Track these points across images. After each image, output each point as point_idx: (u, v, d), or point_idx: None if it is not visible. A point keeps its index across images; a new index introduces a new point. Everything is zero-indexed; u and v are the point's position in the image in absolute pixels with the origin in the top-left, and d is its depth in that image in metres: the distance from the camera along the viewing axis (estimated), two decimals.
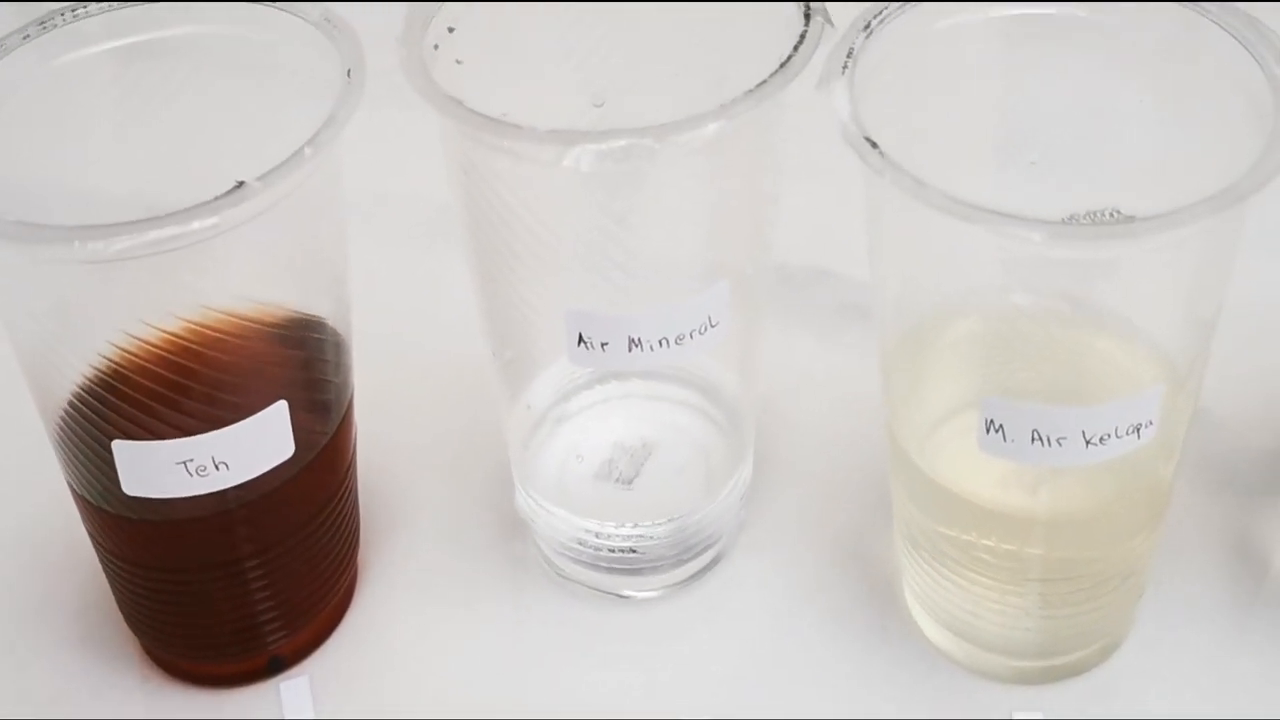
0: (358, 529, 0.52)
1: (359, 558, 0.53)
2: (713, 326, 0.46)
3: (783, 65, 0.43)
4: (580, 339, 0.45)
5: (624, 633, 0.51)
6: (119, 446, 0.43)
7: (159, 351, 0.44)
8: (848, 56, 0.43)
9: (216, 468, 0.44)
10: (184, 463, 0.44)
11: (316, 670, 0.50)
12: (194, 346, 0.44)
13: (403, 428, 0.57)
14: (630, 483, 0.52)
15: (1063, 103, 0.46)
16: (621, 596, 0.52)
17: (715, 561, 0.53)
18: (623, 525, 0.51)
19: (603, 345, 0.45)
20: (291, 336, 0.46)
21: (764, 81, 0.43)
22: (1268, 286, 0.56)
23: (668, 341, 0.46)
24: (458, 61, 0.47)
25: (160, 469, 0.44)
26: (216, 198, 0.40)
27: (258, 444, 0.45)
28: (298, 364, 0.46)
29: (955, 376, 0.47)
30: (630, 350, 0.45)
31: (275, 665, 0.50)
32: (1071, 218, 0.41)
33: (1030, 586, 0.47)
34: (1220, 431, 0.55)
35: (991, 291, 0.44)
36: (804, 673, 0.49)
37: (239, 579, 0.47)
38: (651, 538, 0.51)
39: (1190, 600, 0.50)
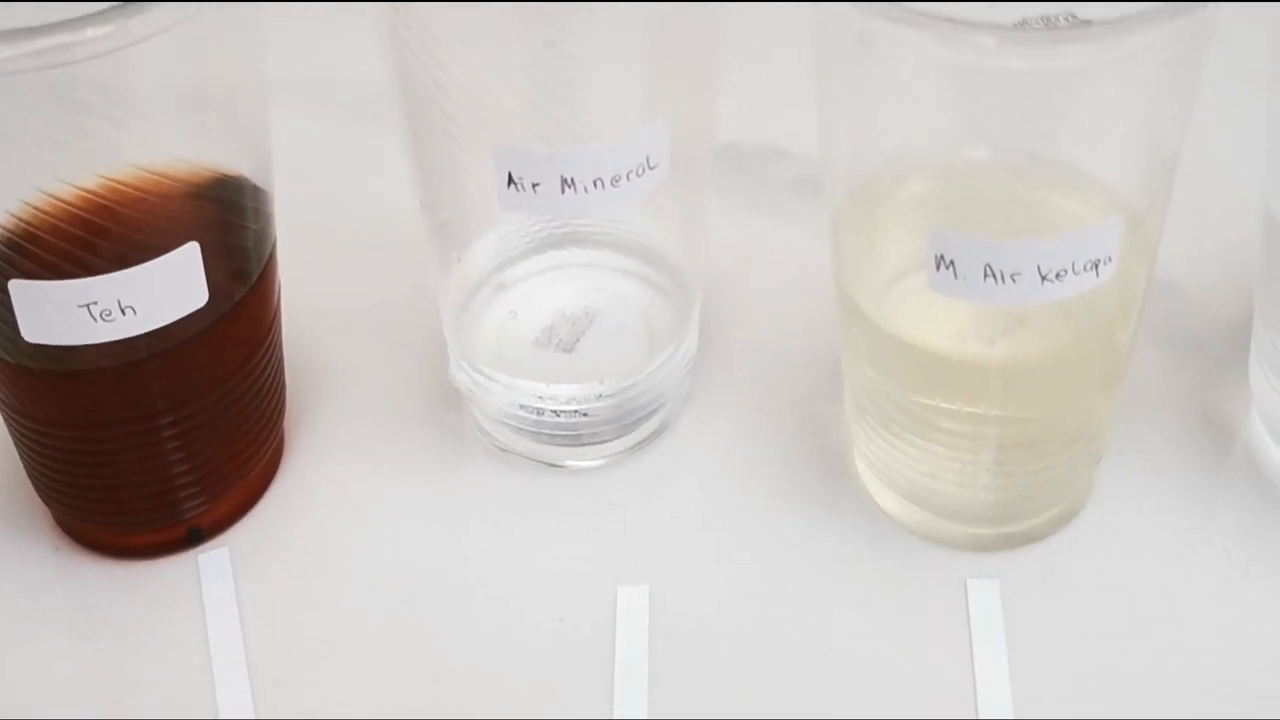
0: (282, 396, 0.49)
1: (285, 429, 0.50)
2: (651, 169, 0.44)
3: None
4: (510, 180, 0.43)
5: (565, 503, 0.49)
6: (16, 287, 0.41)
7: (69, 206, 0.41)
8: None
9: (123, 312, 0.42)
10: (87, 306, 0.41)
11: (238, 542, 0.48)
12: (104, 199, 0.41)
13: (334, 299, 0.54)
14: (571, 349, 0.50)
15: None
16: (563, 467, 0.50)
17: (659, 432, 0.50)
18: (563, 391, 0.48)
19: (534, 186, 0.43)
20: (207, 186, 0.43)
21: None
22: (1237, 160, 0.54)
23: (603, 183, 0.43)
24: None
25: (61, 312, 0.41)
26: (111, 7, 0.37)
27: (167, 288, 0.42)
28: (211, 209, 0.44)
29: (910, 233, 0.45)
30: (563, 192, 0.43)
31: (194, 536, 0.48)
32: (1024, 22, 0.39)
33: (985, 449, 0.44)
34: (1187, 304, 0.53)
35: (944, 147, 0.42)
36: (752, 542, 0.47)
37: (153, 440, 0.45)
38: (593, 405, 0.48)
39: (1152, 470, 0.48)
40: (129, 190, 0.42)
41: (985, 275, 0.40)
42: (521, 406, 0.49)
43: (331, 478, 0.50)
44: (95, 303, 0.41)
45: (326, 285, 0.54)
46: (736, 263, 0.55)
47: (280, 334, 0.48)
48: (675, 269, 0.50)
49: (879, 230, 0.45)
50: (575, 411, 0.49)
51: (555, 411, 0.48)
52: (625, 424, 0.49)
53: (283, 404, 0.49)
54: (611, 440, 0.50)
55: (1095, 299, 0.43)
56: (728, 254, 0.55)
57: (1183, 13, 0.36)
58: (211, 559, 0.47)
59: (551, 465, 0.50)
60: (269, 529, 0.48)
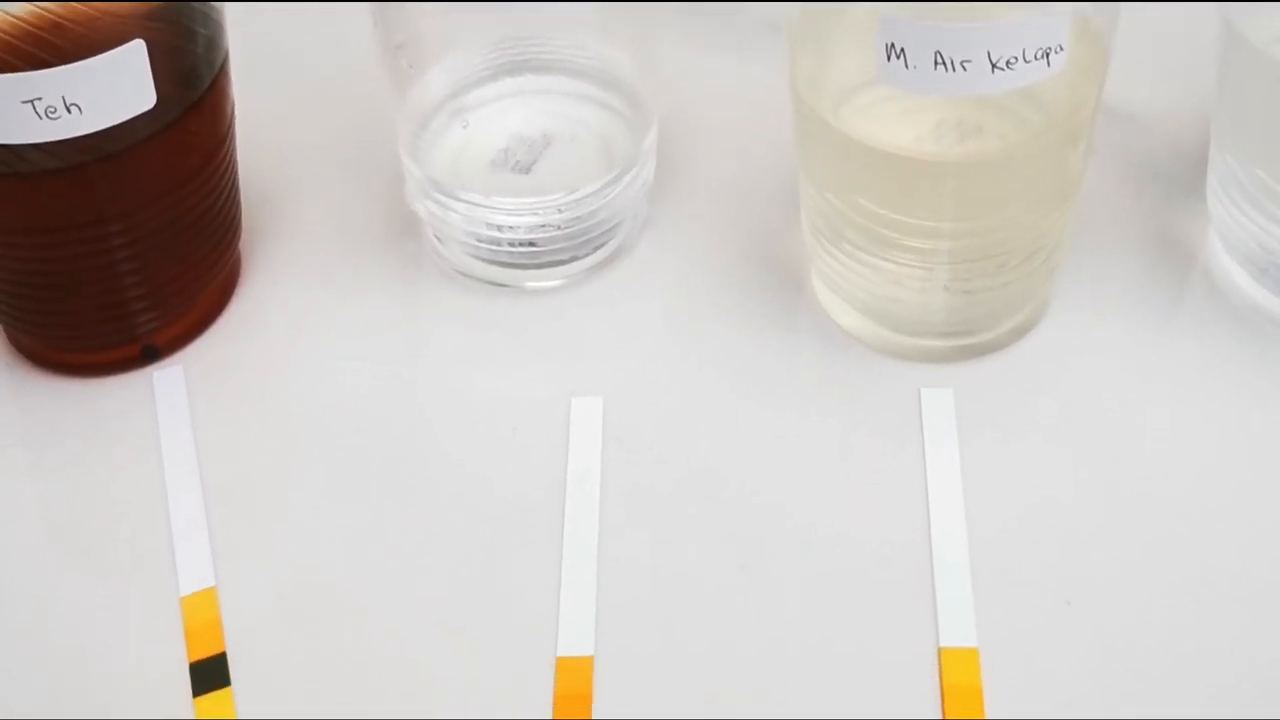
0: (237, 217, 0.49)
1: (242, 255, 0.50)
2: None
3: None
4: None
5: (521, 323, 0.48)
6: None
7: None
8: None
9: (68, 110, 0.41)
10: (31, 102, 0.41)
11: (192, 361, 0.48)
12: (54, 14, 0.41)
13: (291, 129, 0.54)
14: (528, 170, 0.49)
15: None
16: (520, 288, 0.49)
17: (617, 254, 0.50)
18: (521, 217, 0.48)
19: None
20: None
21: None
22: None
23: None
24: None
25: (5, 108, 0.41)
26: None
27: (112, 86, 0.42)
28: (159, 10, 0.43)
29: (868, 42, 0.44)
30: None
31: (149, 355, 0.47)
32: None
33: (941, 263, 0.44)
34: (1148, 133, 0.53)
35: None
36: (708, 358, 0.47)
37: (102, 249, 0.44)
38: (550, 229, 0.48)
39: (1111, 287, 0.48)
40: None
41: (935, 63, 0.40)
42: (479, 229, 0.49)
43: (287, 301, 0.49)
44: (39, 98, 0.41)
45: (283, 115, 0.54)
46: (700, 98, 0.55)
47: (234, 152, 0.48)
48: (631, 92, 0.50)
49: (837, 38, 0.45)
50: (533, 234, 0.48)
51: (513, 236, 0.48)
52: (582, 246, 0.49)
53: (237, 226, 0.49)
54: (569, 262, 0.49)
55: (1049, 103, 0.43)
56: (691, 90, 0.54)
57: None
58: (166, 376, 0.47)
59: (508, 287, 0.49)
60: (224, 349, 0.48)
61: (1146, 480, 0.43)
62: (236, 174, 0.48)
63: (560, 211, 0.48)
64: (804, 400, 0.46)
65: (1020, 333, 0.47)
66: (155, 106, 0.43)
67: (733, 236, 0.51)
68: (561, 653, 0.39)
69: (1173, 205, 0.51)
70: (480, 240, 0.49)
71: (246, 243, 0.50)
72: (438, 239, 0.50)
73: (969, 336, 0.46)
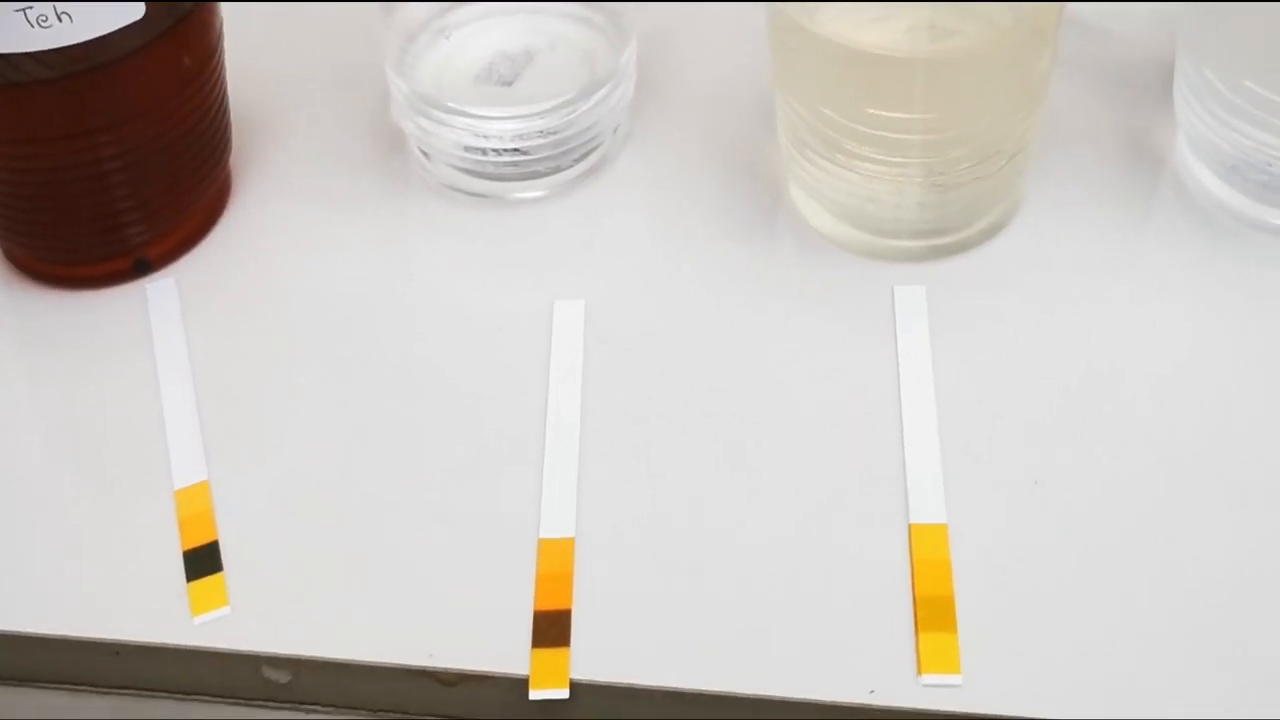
0: (226, 131, 0.50)
1: (232, 173, 0.51)
2: None
3: None
4: None
5: (506, 232, 0.49)
6: None
7: None
8: None
9: (59, 19, 0.42)
10: (23, 11, 0.42)
11: (185, 274, 0.49)
12: None
13: (279, 48, 0.55)
14: (511, 83, 0.50)
15: None
16: (504, 199, 0.50)
17: (599, 166, 0.51)
18: (504, 126, 0.49)
19: None
20: None
21: None
22: None
23: None
24: None
25: None
26: None
27: None
28: None
29: None
30: None
31: (141, 267, 0.49)
32: None
33: (913, 160, 0.45)
34: (1121, 42, 0.54)
35: None
36: (688, 261, 0.48)
37: (93, 159, 0.45)
38: (534, 136, 0.49)
39: (1081, 191, 0.49)
40: None
41: None
42: (465, 141, 0.50)
43: (277, 215, 0.50)
44: (30, 7, 0.42)
45: (272, 36, 0.55)
46: (681, 11, 0.56)
47: (223, 68, 0.49)
48: (610, 8, 0.51)
49: None
50: (517, 144, 0.49)
51: (498, 145, 0.49)
52: (565, 156, 0.50)
53: (227, 142, 0.50)
54: (552, 174, 0.50)
55: (1017, 5, 0.44)
56: (673, 11, 0.55)
57: None
58: (159, 288, 0.48)
59: (493, 199, 0.50)
60: (215, 262, 0.49)
61: (1113, 373, 0.44)
62: (225, 90, 0.49)
63: (543, 118, 0.49)
64: (780, 300, 0.47)
65: (991, 232, 0.48)
66: (144, 18, 0.44)
67: (713, 146, 0.52)
68: (543, 535, 0.41)
69: (1142, 112, 0.51)
70: (466, 151, 0.50)
71: (237, 161, 0.51)
72: (424, 154, 0.51)
73: (941, 236, 0.48)
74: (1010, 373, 0.44)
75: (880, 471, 0.42)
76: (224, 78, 0.49)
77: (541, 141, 0.49)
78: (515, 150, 0.49)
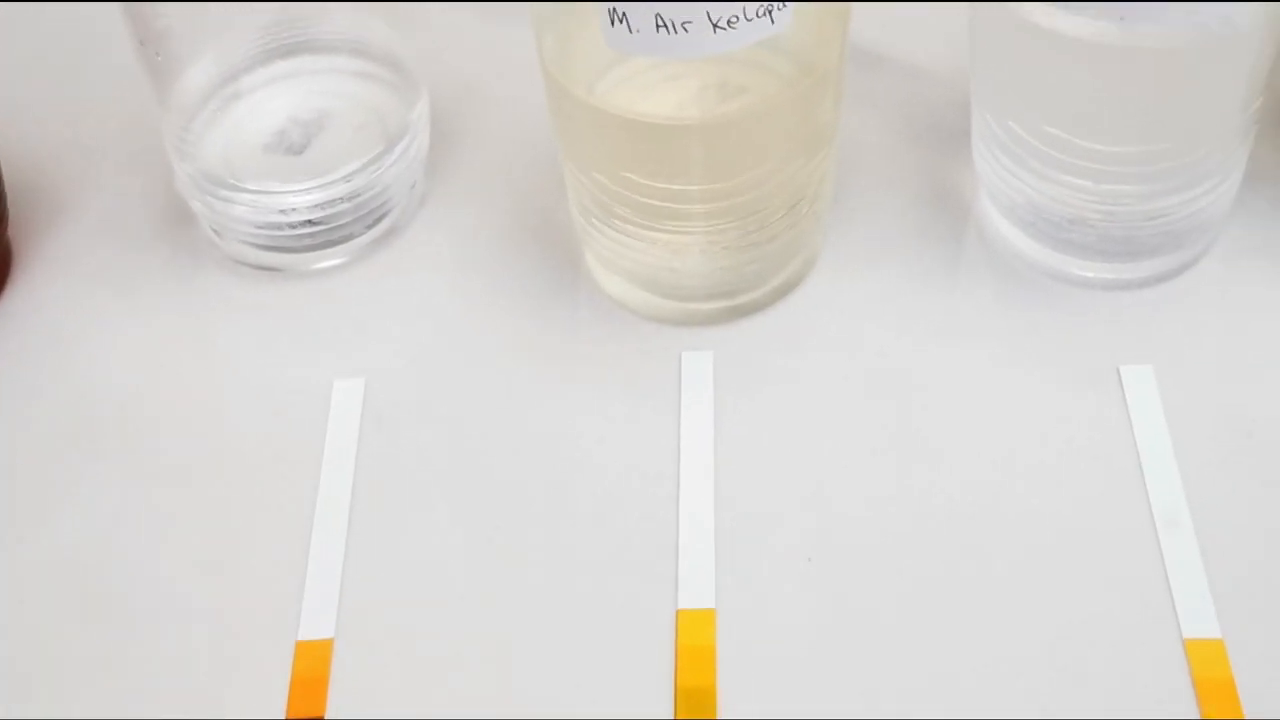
0: (1, 207, 0.48)
1: (14, 249, 0.50)
2: None
3: None
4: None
5: (295, 308, 0.48)
6: None
7: None
8: None
9: None
10: None
11: None
12: None
13: (58, 119, 0.53)
14: (301, 151, 0.49)
15: None
16: (297, 271, 0.49)
17: (393, 231, 0.50)
18: (297, 198, 0.48)
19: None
20: None
21: None
22: None
23: None
24: None
25: None
26: None
27: None
28: None
29: None
30: None
31: None
32: None
33: (698, 227, 0.44)
34: (923, 79, 0.53)
35: None
36: (475, 331, 0.47)
37: None
38: (326, 207, 0.48)
39: (878, 244, 0.48)
40: None
41: (658, 27, 0.40)
42: (252, 218, 0.48)
43: (61, 295, 0.49)
44: None
45: (48, 104, 0.54)
46: (474, 64, 0.55)
47: None
48: (397, 63, 0.50)
49: (581, 19, 0.44)
50: (307, 215, 0.48)
51: (288, 219, 0.48)
52: (357, 224, 0.49)
53: (3, 213, 0.49)
54: (346, 242, 0.49)
55: (798, 54, 0.43)
56: (465, 56, 0.54)
57: None
58: None
59: (283, 271, 0.49)
60: None
61: (902, 435, 0.43)
62: None
63: (334, 187, 0.48)
64: (569, 373, 0.45)
65: (785, 290, 0.47)
66: None
67: (510, 203, 0.50)
68: (301, 637, 0.39)
69: (945, 155, 0.51)
70: (256, 227, 0.48)
71: (17, 238, 0.50)
72: (214, 230, 0.50)
73: (735, 297, 0.46)
74: (795, 441, 0.43)
75: (651, 554, 0.40)
76: None
77: (333, 211, 0.48)
78: (307, 222, 0.48)
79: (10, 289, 0.49)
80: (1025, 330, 0.46)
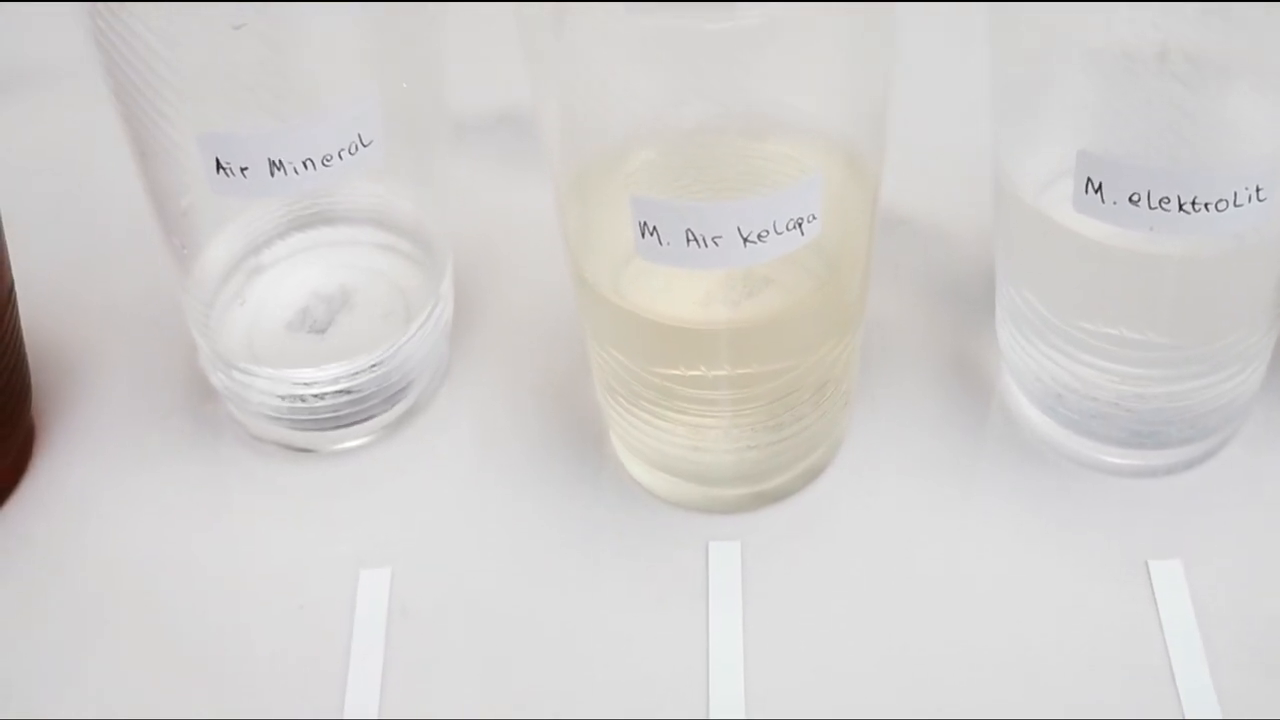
0: (25, 386, 0.49)
1: (37, 423, 0.50)
2: (364, 146, 0.43)
3: None
4: (219, 165, 0.42)
5: (316, 488, 0.48)
6: None
7: None
8: None
9: None
10: None
11: None
12: None
13: (80, 290, 0.54)
14: (324, 330, 0.49)
15: None
16: (316, 451, 0.49)
17: (416, 408, 0.50)
18: (318, 376, 0.48)
19: (243, 171, 0.42)
20: None
21: None
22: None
23: (313, 163, 0.42)
24: None
25: None
26: None
27: None
28: None
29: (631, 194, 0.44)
30: (272, 175, 0.42)
31: None
32: None
33: (728, 414, 0.44)
34: (948, 251, 0.53)
35: (655, 114, 0.41)
36: (498, 517, 0.47)
37: None
38: (347, 386, 0.48)
39: (903, 425, 0.48)
40: None
41: (688, 240, 0.40)
42: (277, 396, 0.48)
43: (85, 472, 0.49)
44: None
45: (70, 276, 0.54)
46: (498, 232, 0.55)
47: (16, 320, 0.47)
48: (422, 236, 0.50)
49: (606, 207, 0.44)
50: (329, 396, 0.48)
51: (308, 401, 0.48)
52: (381, 402, 0.49)
53: (25, 395, 0.49)
54: (366, 421, 0.49)
55: (828, 250, 0.43)
56: (487, 223, 0.54)
57: None
58: None
59: (305, 450, 0.49)
60: (22, 521, 0.47)
61: (930, 627, 0.43)
62: (21, 340, 0.48)
63: (358, 368, 0.48)
64: (594, 560, 0.45)
65: (812, 475, 0.47)
66: None
67: (533, 378, 0.50)
68: None
69: (969, 327, 0.51)
70: (277, 408, 0.48)
71: (41, 411, 0.50)
72: (232, 404, 0.50)
73: (760, 483, 0.46)
74: (825, 636, 0.43)
75: None
76: (17, 327, 0.48)
77: (354, 395, 0.48)
78: (328, 401, 0.48)
79: (33, 466, 0.49)
80: (1051, 518, 0.45)
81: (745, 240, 0.40)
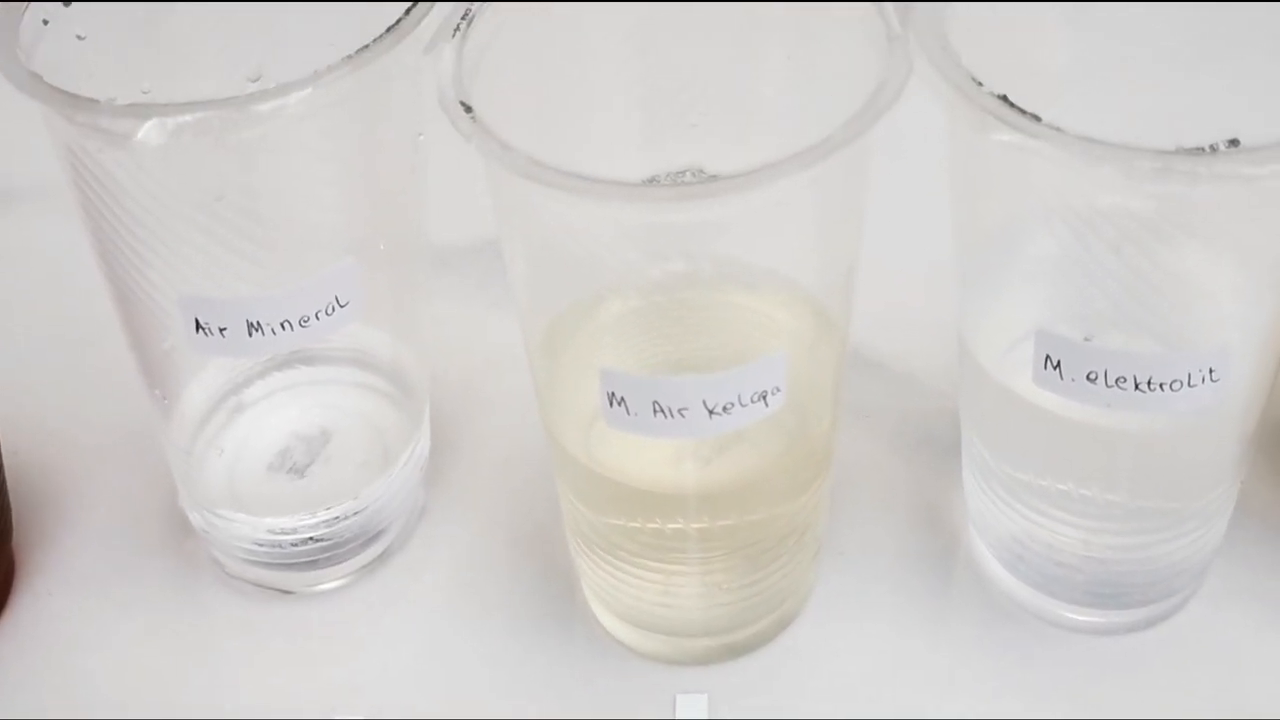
0: (6, 521, 0.49)
1: (17, 557, 0.50)
2: (341, 307, 0.44)
3: (390, 29, 0.41)
4: (198, 325, 0.43)
5: (298, 629, 0.49)
6: None
7: None
8: (462, 19, 0.41)
9: None
10: None
11: None
12: None
13: (63, 423, 0.54)
14: (303, 472, 0.50)
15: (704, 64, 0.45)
16: (294, 593, 0.50)
17: (390, 551, 0.50)
18: (297, 521, 0.49)
19: (221, 330, 0.43)
20: None
21: (368, 46, 0.41)
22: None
23: (290, 324, 0.43)
24: (79, 37, 0.45)
25: None
26: None
27: None
28: None
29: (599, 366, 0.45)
30: (250, 335, 0.43)
31: None
32: (653, 179, 0.39)
33: (693, 565, 0.45)
34: (919, 394, 0.54)
35: (621, 269, 0.42)
36: (467, 664, 0.47)
37: None
38: (327, 528, 0.49)
39: (872, 576, 0.49)
40: None
41: (655, 411, 0.40)
42: (254, 541, 0.49)
43: (64, 610, 0.49)
44: None
45: (53, 407, 0.55)
46: (476, 367, 0.56)
47: None
48: (402, 379, 0.51)
49: (574, 365, 0.45)
50: (306, 541, 0.49)
51: (286, 545, 0.49)
52: (359, 545, 0.50)
53: (8, 528, 0.49)
54: (343, 562, 0.50)
55: (798, 403, 0.44)
56: (465, 358, 0.55)
57: (807, 163, 0.36)
58: None
59: (284, 591, 0.50)
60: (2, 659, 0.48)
61: None
62: (2, 474, 0.49)
63: (336, 512, 0.49)
64: (562, 708, 0.46)
65: (782, 625, 0.47)
66: None
67: (507, 518, 0.51)
68: None
69: (936, 473, 0.51)
70: (255, 550, 0.49)
71: (20, 546, 0.51)
72: (210, 544, 0.50)
73: (729, 634, 0.47)
74: None
75: None
76: None
77: (331, 541, 0.49)
78: (305, 546, 0.49)
79: (13, 602, 0.50)
80: (1014, 674, 0.46)
81: (710, 412, 0.40)
